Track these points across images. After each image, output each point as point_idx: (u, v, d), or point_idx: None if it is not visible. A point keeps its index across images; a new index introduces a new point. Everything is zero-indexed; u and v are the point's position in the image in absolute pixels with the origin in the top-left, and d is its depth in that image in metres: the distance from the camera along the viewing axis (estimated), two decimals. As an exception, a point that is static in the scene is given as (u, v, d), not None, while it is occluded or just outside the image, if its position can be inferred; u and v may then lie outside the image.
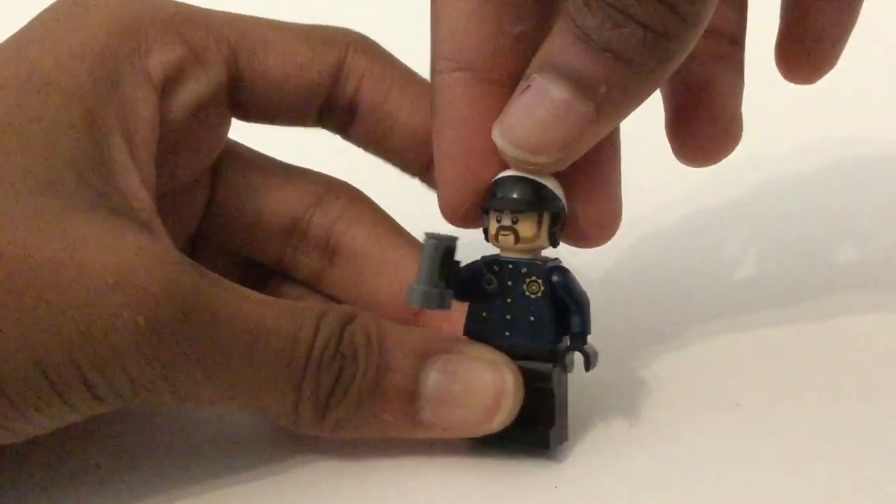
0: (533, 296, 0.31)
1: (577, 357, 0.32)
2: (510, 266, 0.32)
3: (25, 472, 0.32)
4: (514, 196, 0.31)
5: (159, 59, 0.32)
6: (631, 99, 0.29)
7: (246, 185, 0.36)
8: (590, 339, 0.32)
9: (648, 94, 0.29)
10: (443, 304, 0.31)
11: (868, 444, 0.33)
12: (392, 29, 0.39)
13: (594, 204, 0.32)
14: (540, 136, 0.29)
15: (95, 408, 0.28)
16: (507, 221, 0.31)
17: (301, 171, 0.37)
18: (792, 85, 0.36)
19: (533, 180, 0.31)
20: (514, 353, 0.32)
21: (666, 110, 0.35)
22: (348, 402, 0.30)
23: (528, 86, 0.29)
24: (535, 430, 0.32)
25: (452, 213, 0.32)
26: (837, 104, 0.40)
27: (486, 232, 0.32)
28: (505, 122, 0.30)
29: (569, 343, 0.32)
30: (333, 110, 0.36)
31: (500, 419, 0.31)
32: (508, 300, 0.32)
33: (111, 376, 0.28)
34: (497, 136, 0.30)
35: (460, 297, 0.32)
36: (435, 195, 0.32)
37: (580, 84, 0.28)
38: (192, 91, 0.33)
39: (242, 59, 0.34)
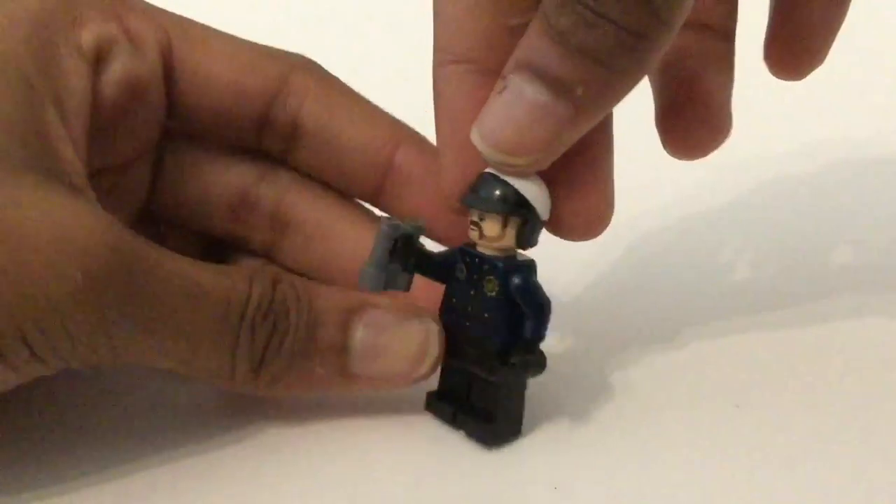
0: (489, 294, 0.32)
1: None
2: (477, 259, 0.32)
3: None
4: (482, 195, 0.31)
5: (92, 33, 0.32)
6: (608, 98, 0.29)
7: (192, 163, 0.36)
8: (590, 341, 0.33)
9: (626, 92, 0.29)
10: (395, 286, 0.32)
11: (866, 447, 0.33)
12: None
13: (584, 198, 0.32)
14: (518, 138, 0.29)
15: (36, 368, 0.28)
16: (475, 217, 0.31)
17: (247, 149, 0.36)
18: (791, 86, 0.36)
19: (505, 183, 0.31)
20: (470, 344, 0.32)
21: (655, 103, 0.35)
22: (282, 358, 0.31)
23: (505, 86, 0.29)
24: (479, 423, 0.32)
25: (452, 200, 0.32)
26: (835, 105, 0.40)
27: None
28: (483, 125, 0.30)
29: (515, 353, 0.31)
30: (275, 128, 0.35)
31: (426, 368, 0.32)
32: (472, 292, 0.32)
33: (50, 333, 0.28)
34: (476, 138, 0.30)
35: (436, 277, 0.33)
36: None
37: (556, 85, 0.28)
38: (123, 68, 0.33)
39: (179, 52, 0.34)
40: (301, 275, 0.35)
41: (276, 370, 0.31)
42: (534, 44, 0.28)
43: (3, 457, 0.32)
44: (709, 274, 0.42)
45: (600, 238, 0.34)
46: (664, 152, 0.35)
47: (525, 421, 0.33)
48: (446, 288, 0.33)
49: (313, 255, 0.36)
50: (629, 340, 0.38)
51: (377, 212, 0.37)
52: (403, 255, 0.32)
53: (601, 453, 0.33)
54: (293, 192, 0.36)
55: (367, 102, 0.36)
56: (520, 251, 0.32)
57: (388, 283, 0.32)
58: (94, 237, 0.28)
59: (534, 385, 0.33)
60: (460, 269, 0.32)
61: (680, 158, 0.35)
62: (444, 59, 0.31)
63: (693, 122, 0.34)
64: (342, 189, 0.36)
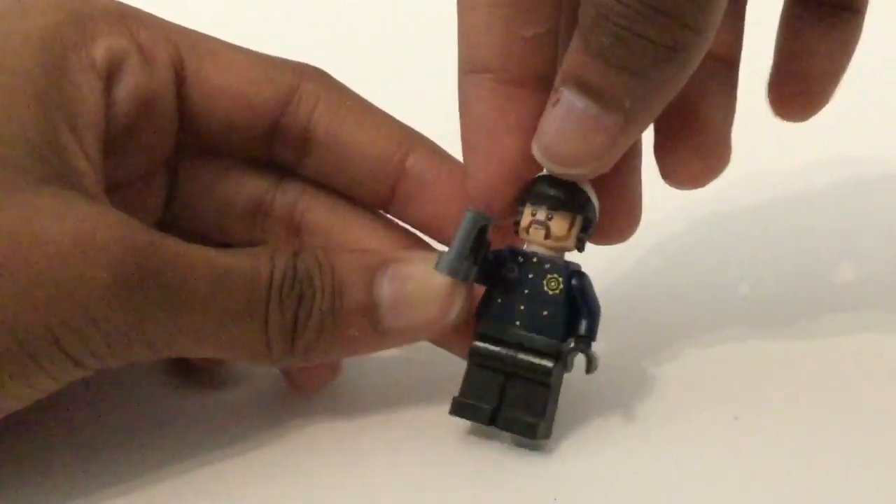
0: (551, 292, 0.32)
1: (578, 359, 0.33)
2: (535, 259, 0.32)
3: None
4: (553, 193, 0.32)
5: (104, 48, 0.33)
6: (655, 106, 0.30)
7: (206, 175, 0.36)
8: (593, 346, 0.33)
9: (671, 97, 0.30)
10: (467, 278, 0.32)
11: (868, 460, 0.33)
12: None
13: (618, 203, 0.33)
14: (574, 151, 0.30)
15: (73, 372, 0.29)
16: (541, 216, 0.32)
17: (259, 159, 0.36)
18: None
19: (574, 183, 0.32)
20: (520, 343, 0.32)
21: (655, 132, 0.35)
22: (313, 325, 0.31)
23: (558, 100, 0.30)
24: (525, 419, 0.32)
25: (481, 204, 0.33)
26: (842, 121, 0.40)
27: (516, 224, 0.33)
28: (541, 140, 0.31)
29: (573, 344, 0.32)
30: (286, 137, 0.35)
31: (456, 311, 0.32)
32: (526, 291, 0.32)
33: (84, 335, 0.28)
34: (536, 152, 0.31)
35: (481, 278, 0.33)
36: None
37: (605, 98, 0.29)
38: (136, 82, 0.33)
39: (189, 65, 0.34)
40: None
41: (310, 338, 0.31)
42: (578, 58, 0.29)
43: (9, 466, 0.32)
44: (709, 285, 0.42)
45: (598, 251, 0.34)
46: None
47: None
48: (487, 289, 0.33)
49: None
50: (627, 352, 0.38)
51: (390, 217, 0.37)
52: (478, 248, 0.32)
53: (600, 465, 0.33)
54: (306, 199, 0.36)
55: (378, 110, 0.36)
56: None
57: (465, 273, 0.32)
58: (116, 236, 0.29)
59: None
60: (511, 267, 0.33)
61: (677, 188, 0.35)
62: (465, 68, 0.32)
63: (691, 152, 0.34)
64: (354, 196, 0.36)
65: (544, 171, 0.32)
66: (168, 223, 0.36)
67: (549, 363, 0.32)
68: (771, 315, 0.40)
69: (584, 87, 0.29)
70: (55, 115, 0.31)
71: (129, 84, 0.33)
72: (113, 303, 0.28)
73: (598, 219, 0.33)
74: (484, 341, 0.33)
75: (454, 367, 0.34)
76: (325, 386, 0.36)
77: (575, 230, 0.32)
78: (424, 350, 0.36)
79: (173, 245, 0.30)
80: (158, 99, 0.34)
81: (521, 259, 0.33)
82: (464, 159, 0.33)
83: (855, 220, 0.45)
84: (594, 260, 0.34)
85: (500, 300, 0.33)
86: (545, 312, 0.32)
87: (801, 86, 0.35)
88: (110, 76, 0.33)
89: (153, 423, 0.35)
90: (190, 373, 0.36)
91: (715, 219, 0.46)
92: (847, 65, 0.35)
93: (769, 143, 0.43)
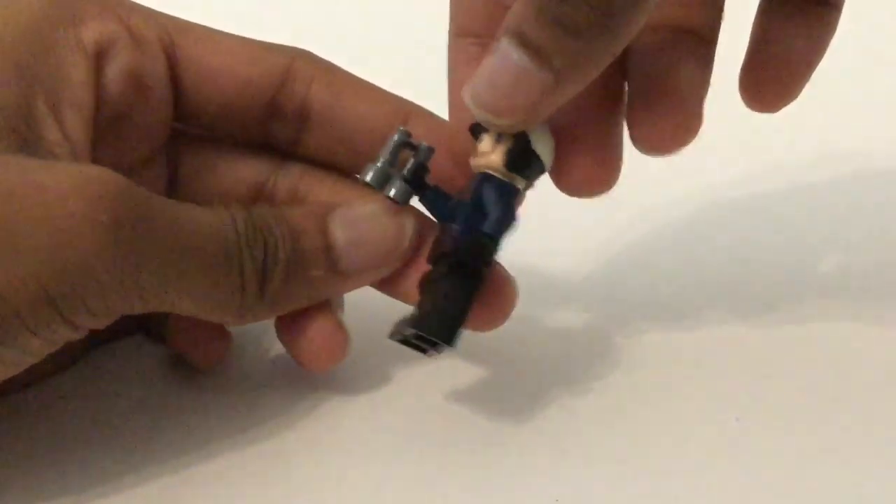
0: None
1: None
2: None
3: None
4: None
5: (93, 31, 0.33)
6: (585, 70, 0.30)
7: (206, 163, 0.37)
8: (585, 353, 0.34)
9: (603, 65, 0.30)
10: (391, 190, 0.33)
11: (870, 462, 0.33)
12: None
13: (587, 154, 0.34)
14: (501, 101, 0.31)
15: (63, 332, 0.29)
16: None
17: (257, 143, 0.37)
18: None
19: None
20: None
21: (629, 95, 0.35)
22: (280, 271, 0.32)
23: (496, 48, 0.31)
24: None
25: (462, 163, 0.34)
26: (838, 112, 0.40)
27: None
28: (472, 86, 0.31)
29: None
30: (284, 116, 0.36)
31: (406, 240, 0.34)
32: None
33: (80, 286, 0.29)
34: (466, 96, 0.31)
35: (431, 207, 0.34)
36: None
37: (538, 53, 0.30)
38: (127, 63, 0.34)
39: (182, 48, 0.35)
40: None
41: (278, 284, 0.33)
42: (520, 11, 0.30)
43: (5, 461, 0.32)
44: (709, 286, 0.42)
45: (597, 246, 0.35)
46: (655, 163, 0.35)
47: (522, 433, 0.34)
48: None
49: None
50: (627, 351, 0.38)
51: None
52: (411, 168, 0.34)
53: (601, 467, 0.33)
54: (307, 180, 0.37)
55: (371, 84, 0.37)
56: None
57: (386, 182, 0.33)
58: (111, 183, 0.29)
59: (530, 394, 0.34)
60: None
61: (645, 152, 0.35)
62: (453, 32, 0.34)
63: (660, 114, 0.34)
64: (355, 169, 0.36)
65: None
66: None
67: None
68: (772, 315, 0.40)
69: (520, 39, 0.30)
70: (33, 89, 0.31)
71: (120, 65, 0.34)
72: (110, 248, 0.29)
73: (551, 156, 0.33)
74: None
75: (455, 368, 0.34)
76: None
77: (502, 147, 0.33)
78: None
79: (159, 199, 0.31)
80: (151, 80, 0.34)
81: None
82: (449, 118, 0.35)
83: (855, 215, 0.45)
84: (593, 259, 0.36)
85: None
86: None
87: (770, 75, 0.36)
88: (100, 57, 0.33)
89: (151, 424, 0.35)
90: (187, 371, 0.37)
91: (715, 218, 0.46)
92: (819, 59, 0.35)
93: (770, 139, 0.44)
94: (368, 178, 0.33)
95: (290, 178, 0.37)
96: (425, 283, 0.33)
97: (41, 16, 0.32)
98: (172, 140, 0.36)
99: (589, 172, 0.34)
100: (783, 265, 0.43)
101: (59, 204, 0.28)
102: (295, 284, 0.33)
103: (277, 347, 0.36)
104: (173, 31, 0.35)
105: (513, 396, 0.35)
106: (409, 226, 0.34)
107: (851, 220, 0.45)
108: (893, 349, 0.38)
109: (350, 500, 0.32)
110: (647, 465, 0.33)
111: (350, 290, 0.35)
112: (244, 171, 0.37)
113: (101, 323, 0.30)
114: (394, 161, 0.33)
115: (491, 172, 0.33)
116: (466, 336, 0.33)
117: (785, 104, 0.36)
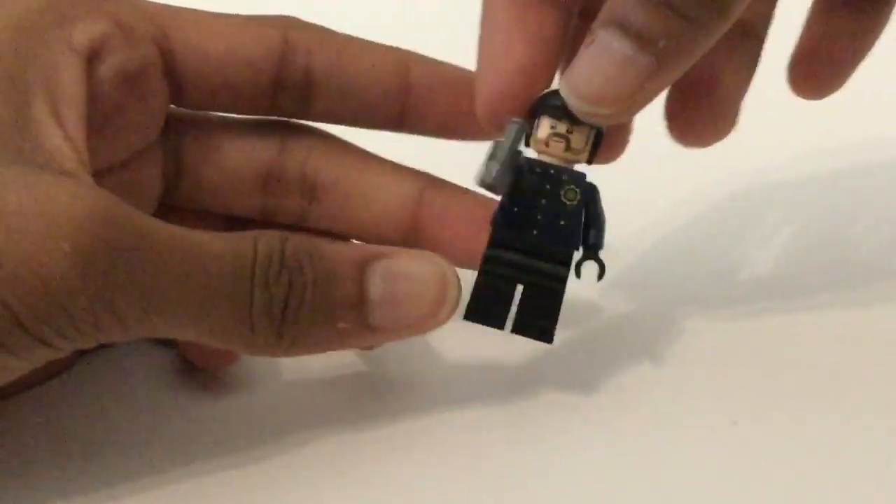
0: (568, 202, 0.33)
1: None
2: (552, 171, 0.33)
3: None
4: None
5: (84, 31, 0.33)
6: (690, 51, 0.30)
7: (212, 146, 0.36)
8: (583, 355, 0.34)
9: (707, 46, 0.30)
10: (504, 186, 0.33)
11: (869, 466, 0.33)
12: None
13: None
14: (603, 89, 0.31)
15: (43, 353, 0.28)
16: (562, 129, 0.33)
17: (259, 121, 0.37)
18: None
19: None
20: (535, 251, 0.33)
21: (670, 88, 0.35)
22: (304, 314, 0.31)
23: (593, 40, 0.31)
24: (540, 323, 0.33)
25: (490, 118, 0.33)
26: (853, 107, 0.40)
27: (528, 137, 0.33)
28: (571, 76, 0.31)
29: (583, 254, 0.34)
30: (289, 85, 0.36)
31: (447, 311, 0.32)
32: (543, 201, 0.33)
33: (46, 312, 0.28)
34: (563, 89, 0.31)
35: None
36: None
37: (640, 38, 0.30)
38: (118, 62, 0.33)
39: (175, 36, 0.35)
40: (336, 235, 0.37)
41: (301, 328, 0.31)
42: (620, 2, 0.30)
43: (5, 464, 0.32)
44: (706, 288, 0.42)
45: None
46: (656, 160, 0.36)
47: (514, 440, 0.34)
48: (503, 199, 0.34)
49: (350, 212, 0.37)
50: (623, 354, 0.38)
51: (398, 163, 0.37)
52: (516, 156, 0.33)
53: (596, 471, 0.33)
54: (316, 153, 0.37)
55: (365, 39, 0.37)
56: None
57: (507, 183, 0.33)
58: (79, 207, 0.28)
59: (528, 395, 0.34)
60: (530, 179, 0.33)
61: (680, 144, 0.36)
62: None
63: (699, 111, 0.35)
64: (366, 125, 0.37)
65: (555, 85, 0.33)
66: (178, 203, 0.37)
67: (564, 270, 0.33)
68: (769, 319, 0.40)
69: (621, 26, 0.30)
70: (27, 95, 0.31)
71: (113, 64, 0.33)
72: (74, 278, 0.27)
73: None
74: (499, 248, 0.34)
75: (454, 369, 0.34)
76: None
77: (590, 143, 0.33)
78: (424, 352, 0.36)
79: (146, 222, 0.29)
80: (144, 76, 0.34)
81: (538, 170, 0.33)
82: (477, 65, 0.34)
83: (853, 216, 0.45)
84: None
85: (516, 209, 0.34)
86: (562, 222, 0.33)
87: (821, 65, 0.37)
88: (92, 57, 0.33)
89: (157, 429, 0.35)
90: (196, 376, 0.36)
91: (715, 219, 0.46)
92: (867, 53, 0.36)
93: (777, 135, 0.44)
94: (495, 182, 0.32)
95: (298, 157, 0.37)
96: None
97: (28, 21, 0.32)
98: (172, 130, 0.36)
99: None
100: (783, 264, 0.43)
101: (22, 232, 0.27)
102: (319, 330, 0.31)
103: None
104: (165, 22, 0.34)
105: (509, 395, 0.35)
106: (452, 296, 0.32)
107: (851, 220, 0.45)
108: (894, 349, 0.38)
109: (350, 497, 0.32)
110: (640, 469, 0.33)
111: (379, 345, 0.34)
112: (253, 151, 0.36)
113: (84, 344, 0.29)
114: (515, 156, 0.32)
115: (595, 185, 0.33)
116: (467, 336, 0.33)
117: (830, 93, 0.37)
